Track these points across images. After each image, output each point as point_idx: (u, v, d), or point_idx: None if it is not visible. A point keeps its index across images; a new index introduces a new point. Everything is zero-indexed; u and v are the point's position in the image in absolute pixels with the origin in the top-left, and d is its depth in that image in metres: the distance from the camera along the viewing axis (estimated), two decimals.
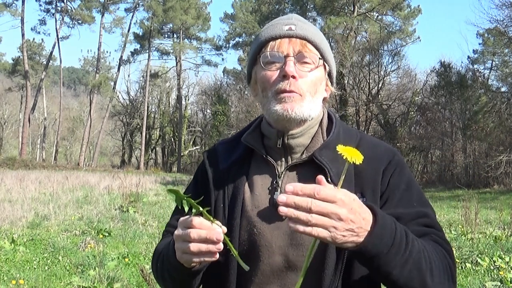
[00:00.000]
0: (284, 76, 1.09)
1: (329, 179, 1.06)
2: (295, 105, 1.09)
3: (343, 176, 0.89)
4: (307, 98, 1.11)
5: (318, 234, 0.85)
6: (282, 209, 0.85)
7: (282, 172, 1.14)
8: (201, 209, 0.95)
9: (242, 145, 1.20)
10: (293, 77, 1.09)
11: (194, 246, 0.95)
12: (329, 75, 1.19)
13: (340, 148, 0.88)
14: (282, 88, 1.09)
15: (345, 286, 1.05)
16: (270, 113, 1.11)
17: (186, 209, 0.97)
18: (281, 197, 0.85)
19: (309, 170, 1.11)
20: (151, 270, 4.99)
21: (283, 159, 1.15)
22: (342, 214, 0.85)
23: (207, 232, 0.94)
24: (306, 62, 1.11)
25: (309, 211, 0.84)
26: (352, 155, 0.88)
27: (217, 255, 0.97)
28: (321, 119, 1.19)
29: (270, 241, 1.08)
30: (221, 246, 0.95)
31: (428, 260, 0.97)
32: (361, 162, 0.88)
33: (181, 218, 1.00)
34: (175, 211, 1.27)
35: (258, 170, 1.17)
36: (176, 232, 1.00)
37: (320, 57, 1.14)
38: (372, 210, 0.92)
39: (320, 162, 1.10)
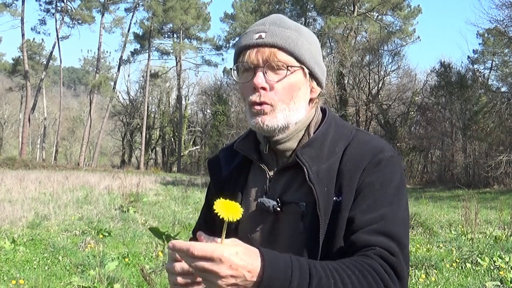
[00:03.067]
0: (254, 88, 1.09)
1: (307, 177, 1.07)
2: (266, 118, 1.09)
3: (224, 232, 0.86)
4: (279, 107, 1.09)
5: None
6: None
7: (271, 176, 1.15)
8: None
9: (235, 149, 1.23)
10: (263, 88, 1.08)
11: (180, 280, 1.02)
12: (312, 75, 1.14)
13: (217, 205, 0.86)
14: (253, 100, 1.09)
15: None
16: (249, 124, 1.13)
17: (165, 245, 1.05)
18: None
19: (296, 172, 1.12)
20: (151, 270, 4.92)
21: (275, 163, 1.17)
22: (220, 272, 0.83)
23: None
24: (277, 70, 1.09)
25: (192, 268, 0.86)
26: (229, 211, 0.86)
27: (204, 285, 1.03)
28: (310, 121, 1.17)
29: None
30: None
31: None
32: (239, 217, 0.86)
33: (170, 252, 1.05)
34: (202, 208, 1.37)
35: (254, 175, 1.20)
36: (166, 265, 1.07)
37: (291, 65, 1.09)
38: (262, 257, 0.87)
39: (300, 160, 1.09)
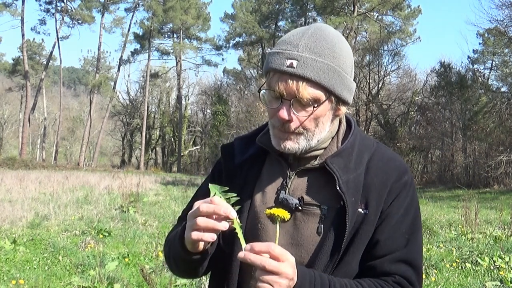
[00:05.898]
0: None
1: (337, 186, 1.09)
2: (288, 143, 1.11)
3: (278, 237, 0.98)
4: (304, 134, 1.11)
5: None
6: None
7: (292, 174, 1.16)
8: (229, 197, 1.02)
9: (257, 143, 1.23)
10: (289, 121, 1.08)
11: (201, 220, 0.98)
12: (340, 100, 1.12)
13: (268, 211, 0.99)
14: (278, 127, 1.10)
15: None
16: (272, 141, 1.15)
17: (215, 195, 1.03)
18: (239, 254, 0.94)
19: (320, 175, 1.14)
20: (151, 270, 4.91)
21: (296, 162, 1.18)
22: (286, 272, 0.94)
23: (215, 206, 0.98)
24: (304, 105, 1.07)
25: (263, 268, 0.93)
26: (279, 213, 0.98)
27: (215, 236, 1.00)
28: (337, 131, 1.19)
29: (272, 238, 1.12)
30: (226, 225, 0.99)
31: None
32: (288, 218, 0.99)
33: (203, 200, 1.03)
34: (192, 199, 1.30)
35: (270, 168, 1.20)
36: (191, 211, 1.03)
37: (319, 100, 1.07)
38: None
39: (331, 169, 1.12)
